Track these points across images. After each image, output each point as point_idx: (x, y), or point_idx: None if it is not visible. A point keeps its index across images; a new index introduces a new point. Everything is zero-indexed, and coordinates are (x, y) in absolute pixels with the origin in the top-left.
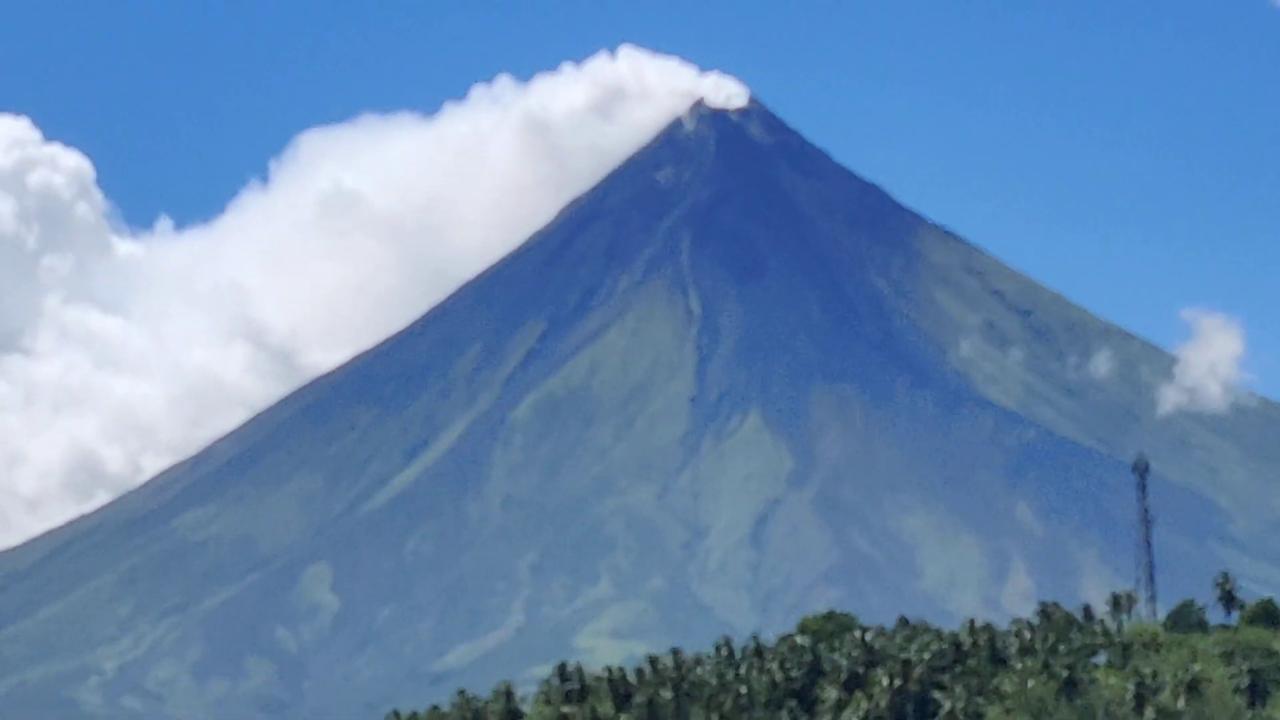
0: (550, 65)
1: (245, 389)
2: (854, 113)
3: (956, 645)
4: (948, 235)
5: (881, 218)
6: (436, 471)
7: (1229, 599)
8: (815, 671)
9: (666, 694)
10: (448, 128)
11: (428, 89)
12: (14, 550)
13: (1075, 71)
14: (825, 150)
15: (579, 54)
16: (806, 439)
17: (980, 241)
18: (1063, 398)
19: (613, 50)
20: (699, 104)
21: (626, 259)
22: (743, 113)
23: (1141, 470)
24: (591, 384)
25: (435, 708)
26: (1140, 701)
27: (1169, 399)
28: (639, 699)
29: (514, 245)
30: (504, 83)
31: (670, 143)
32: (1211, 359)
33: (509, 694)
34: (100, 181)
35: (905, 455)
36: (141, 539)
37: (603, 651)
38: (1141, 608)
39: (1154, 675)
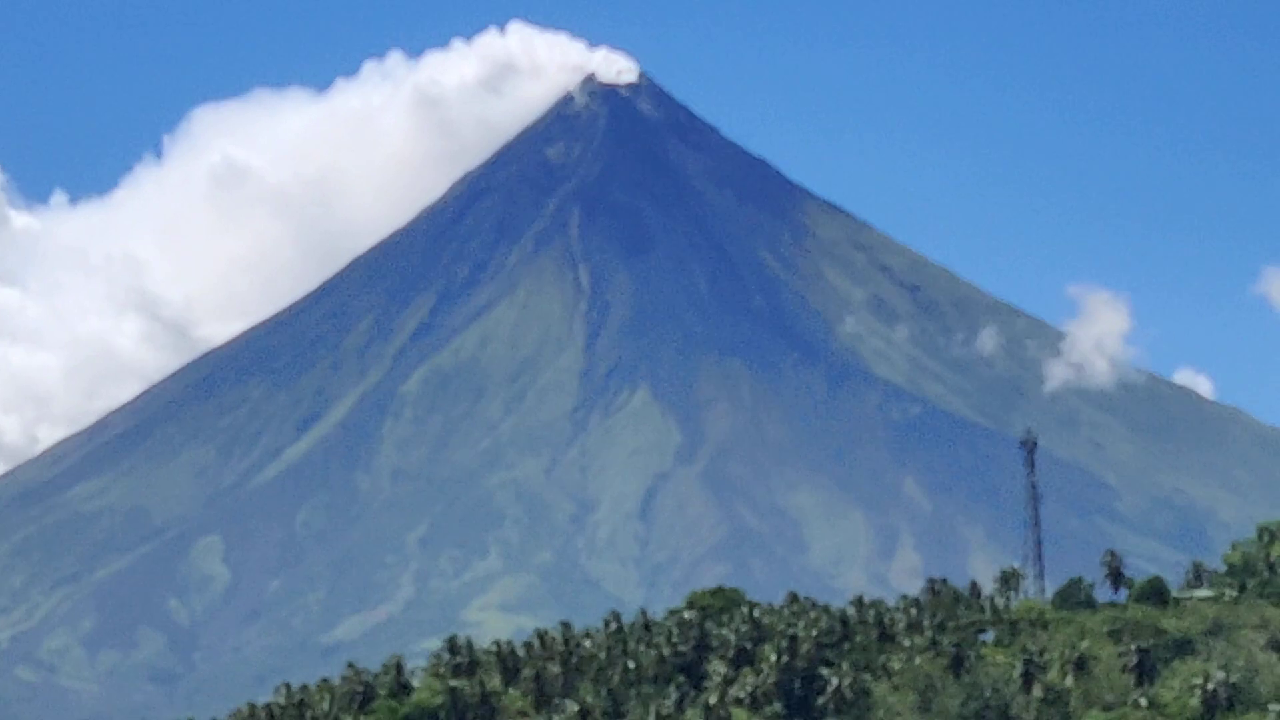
0: (441, 41)
1: (140, 361)
2: (743, 88)
3: (844, 622)
4: (835, 210)
5: (770, 192)
6: (327, 444)
7: (1116, 576)
8: (703, 647)
9: (555, 668)
10: (339, 103)
11: (319, 64)
12: None
13: (960, 38)
14: (714, 125)
15: (469, 30)
16: (694, 414)
17: (868, 217)
18: (950, 373)
19: (502, 26)
20: (589, 79)
21: (516, 234)
22: (633, 88)
23: (1029, 446)
24: (481, 358)
25: (325, 680)
26: (1028, 679)
27: (1056, 375)
28: (527, 673)
29: (405, 219)
30: (395, 58)
31: (561, 118)
32: (1098, 335)
33: (399, 667)
34: None
35: (793, 430)
36: (35, 510)
37: (492, 625)
38: (1029, 585)
39: (1042, 653)
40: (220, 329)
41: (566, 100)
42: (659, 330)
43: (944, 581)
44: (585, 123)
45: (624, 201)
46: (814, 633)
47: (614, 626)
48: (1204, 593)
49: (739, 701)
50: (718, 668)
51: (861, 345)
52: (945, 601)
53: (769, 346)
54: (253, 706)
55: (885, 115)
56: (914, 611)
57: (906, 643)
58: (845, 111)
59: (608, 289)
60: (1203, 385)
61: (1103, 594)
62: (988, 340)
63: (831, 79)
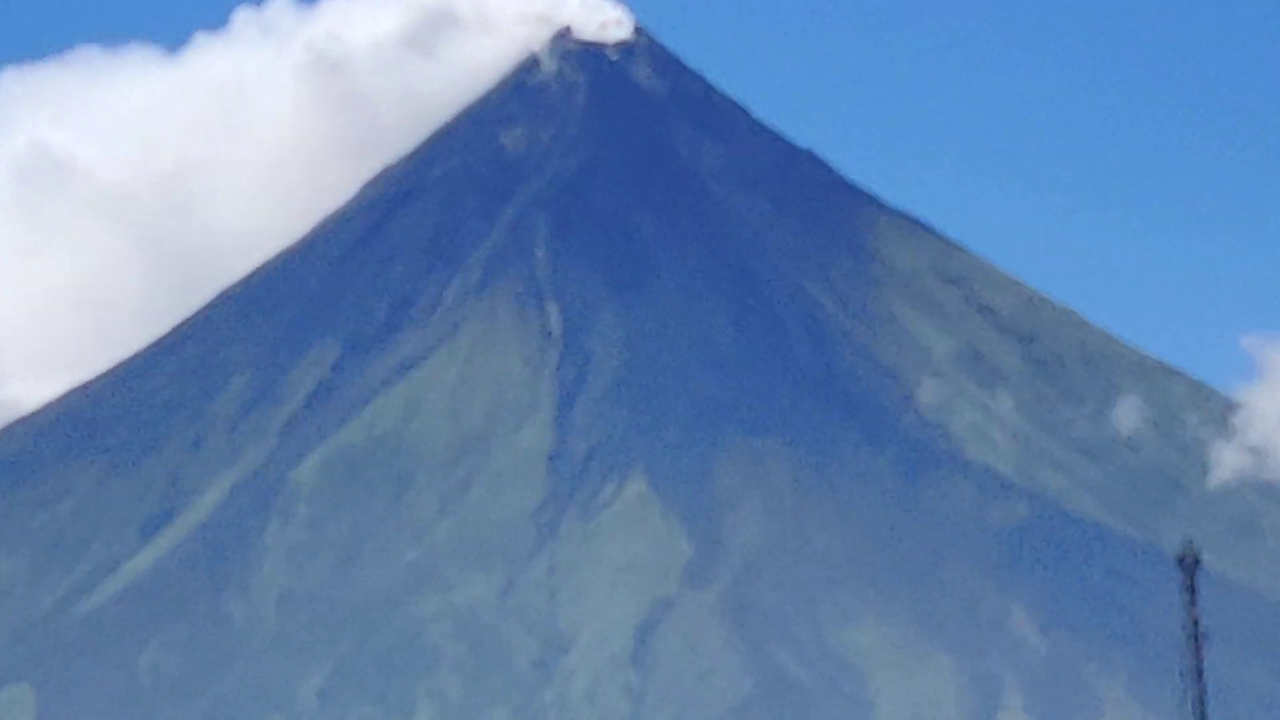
0: None
1: None
2: (782, 52)
3: None
4: (914, 226)
5: (821, 200)
6: (185, 554)
7: None
8: None
9: None
10: (199, 67)
11: (170, 12)
12: None
13: (1092, 6)
14: (741, 103)
15: None
16: (711, 515)
17: (961, 236)
18: (1076, 459)
19: None
20: (562, 35)
21: (458, 255)
22: (625, 49)
23: (1189, 563)
24: (406, 433)
25: None
26: None
27: (1226, 461)
28: None
29: (297, 234)
30: (280, 3)
31: (521, 91)
32: None
33: None
34: None
35: (851, 540)
36: None
37: None
38: None
39: None
40: (31, 390)
41: (529, 65)
42: (660, 395)
43: None
44: (556, 98)
45: (612, 211)
46: None
47: None
48: None
49: None
50: None
51: (950, 419)
52: None
53: (817, 420)
54: None
55: (983, 97)
56: None
57: None
58: (927, 89)
59: (588, 336)
60: None
61: None
62: (1129, 413)
63: (909, 41)
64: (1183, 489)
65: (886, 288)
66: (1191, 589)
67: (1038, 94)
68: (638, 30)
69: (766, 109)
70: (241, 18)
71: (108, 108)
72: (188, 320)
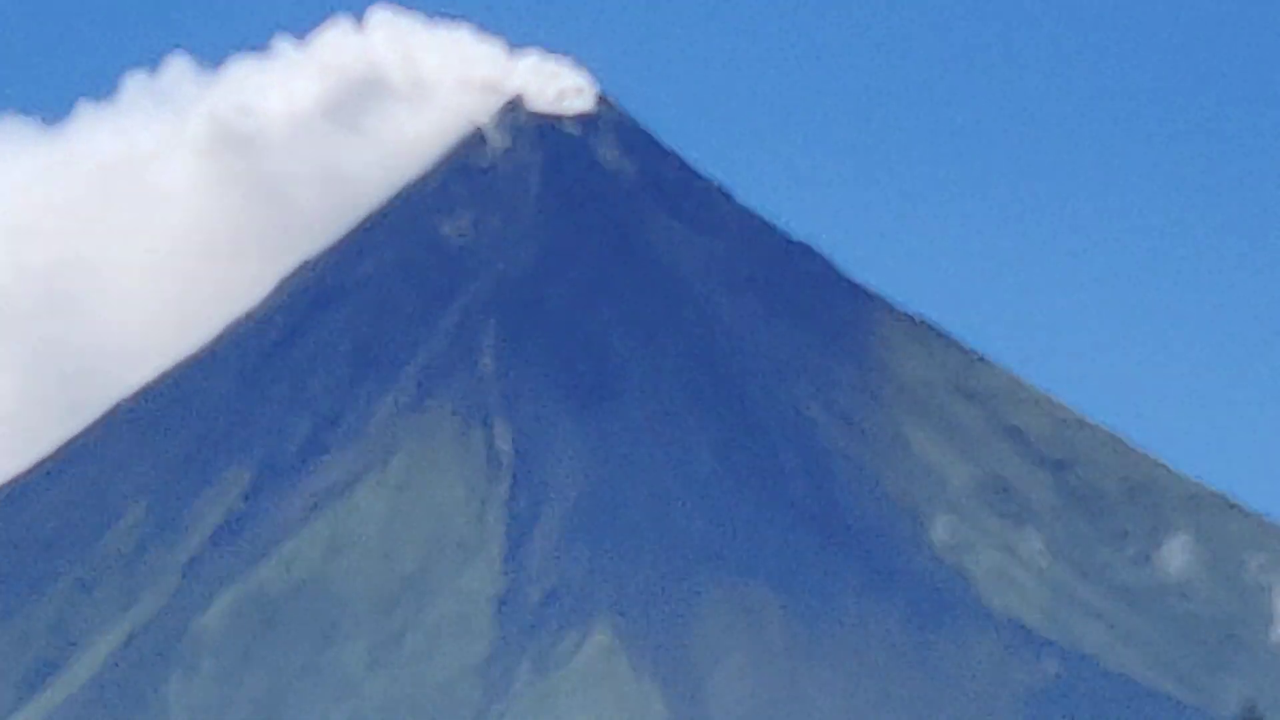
0: (253, 41)
1: None
2: (771, 126)
3: None
4: (929, 331)
5: (818, 301)
6: (73, 714)
7: None
8: None
9: None
10: (83, 143)
11: (49, 78)
12: None
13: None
14: (725, 187)
15: (301, 23)
16: (689, 673)
17: (984, 345)
18: (1116, 607)
19: (359, 14)
20: (513, 106)
21: (390, 366)
22: (587, 121)
23: None
24: (330, 574)
25: None
26: None
27: None
28: None
29: (200, 341)
30: (177, 69)
31: (464, 171)
32: None
33: None
34: None
35: (853, 702)
36: None
37: None
38: None
39: None
40: None
41: (474, 141)
42: (629, 531)
43: None
44: (506, 179)
45: (572, 313)
46: None
47: None
48: None
49: None
50: None
51: (969, 560)
52: None
53: (814, 561)
54: None
55: (1007, 179)
56: None
57: None
58: (942, 171)
59: (543, 460)
60: None
61: None
62: (1179, 553)
63: (922, 115)
64: (1242, 642)
65: (895, 405)
66: None
67: (1076, 178)
68: (602, 100)
69: (754, 194)
70: (132, 85)
71: None
72: (72, 441)
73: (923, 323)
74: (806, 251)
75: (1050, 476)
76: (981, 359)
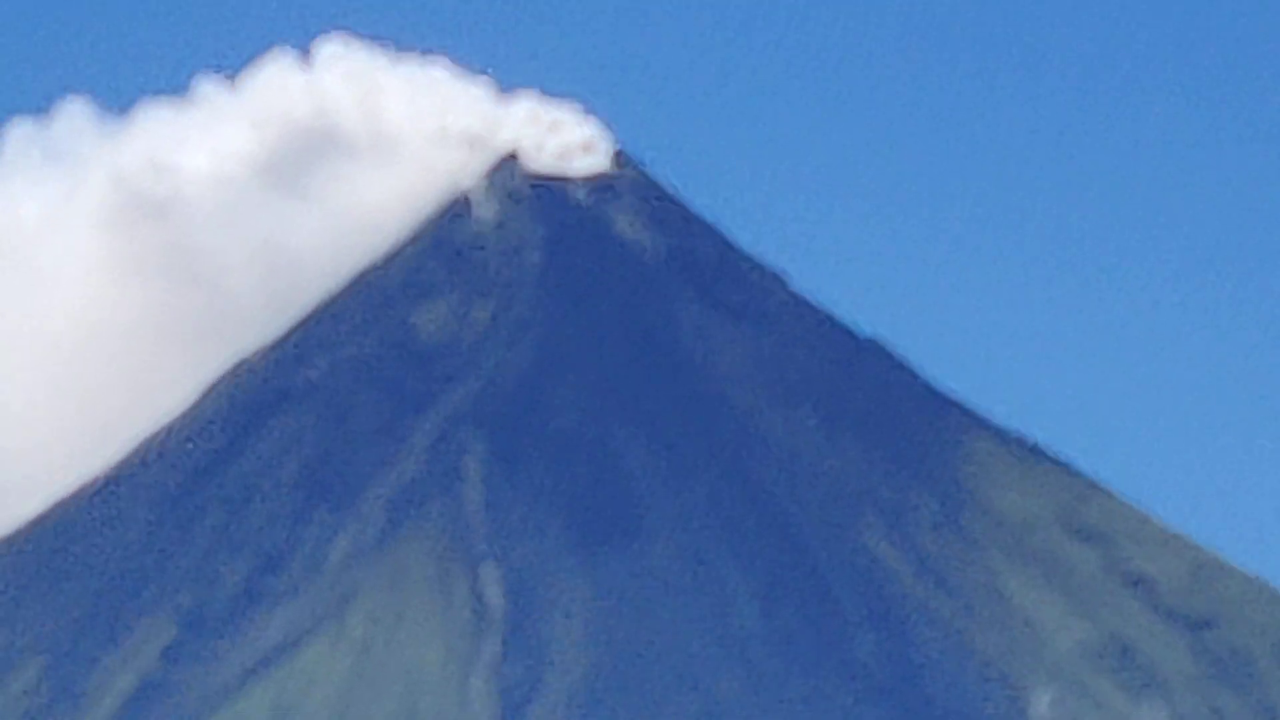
0: (170, 82)
1: None
2: (831, 193)
3: None
4: (1030, 454)
5: (891, 414)
6: None
7: None
8: None
9: None
10: None
11: None
12: None
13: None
14: (775, 269)
15: (230, 59)
16: None
17: (1100, 471)
18: None
19: (304, 47)
20: (506, 165)
21: (349, 493)
22: (601, 185)
23: None
24: None
25: None
26: None
27: None
28: None
29: (105, 462)
30: (72, 117)
31: (443, 248)
32: None
33: None
34: None
35: None
36: None
37: None
38: None
39: None
40: None
41: (456, 210)
42: (650, 706)
43: None
44: (497, 258)
45: (578, 428)
46: None
47: None
48: None
49: None
50: None
51: None
52: None
53: None
54: None
55: (1128, 274)
56: None
57: None
58: (1049, 256)
59: (543, 614)
60: None
61: None
62: None
63: (1013, 182)
64: None
65: (989, 546)
66: None
67: (1216, 282)
68: (620, 158)
69: (812, 278)
70: (15, 138)
71: None
72: None
73: (1022, 442)
74: (877, 351)
75: (1184, 637)
76: (1097, 487)
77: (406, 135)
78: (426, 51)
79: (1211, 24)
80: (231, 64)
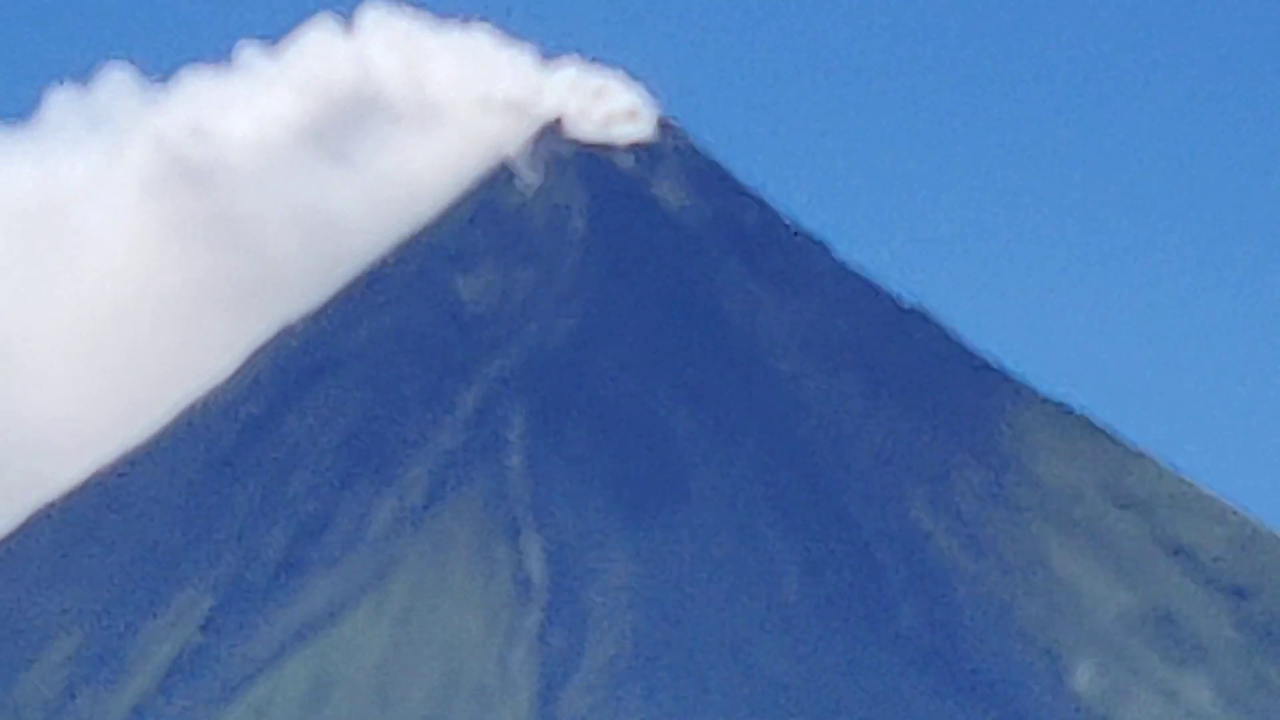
0: (212, 48)
1: None
2: (876, 161)
3: None
4: (1075, 422)
5: (935, 382)
6: None
7: None
8: None
9: None
10: (4, 176)
11: None
12: None
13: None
14: (819, 237)
15: (273, 25)
16: None
17: (1145, 440)
18: None
19: (347, 13)
20: (550, 132)
21: (391, 462)
22: (645, 152)
23: None
24: None
25: None
26: None
27: None
28: None
29: (146, 429)
30: (115, 83)
31: (487, 216)
32: None
33: None
34: None
35: None
36: None
37: None
38: None
39: None
40: None
41: (499, 178)
42: (693, 674)
43: None
44: (540, 225)
45: (621, 397)
46: None
47: None
48: None
49: None
50: None
51: (1122, 710)
52: None
53: (927, 712)
54: None
55: (1173, 240)
56: None
57: None
58: (1095, 224)
59: (585, 585)
60: None
61: None
62: None
63: (1075, 160)
64: None
65: (1032, 515)
66: None
67: (1265, 247)
68: (664, 125)
69: (856, 247)
70: (56, 105)
71: None
72: None
73: (1068, 411)
74: (921, 320)
75: (1228, 606)
76: (1141, 458)
77: (449, 102)
78: (469, 18)
79: None
80: (274, 31)
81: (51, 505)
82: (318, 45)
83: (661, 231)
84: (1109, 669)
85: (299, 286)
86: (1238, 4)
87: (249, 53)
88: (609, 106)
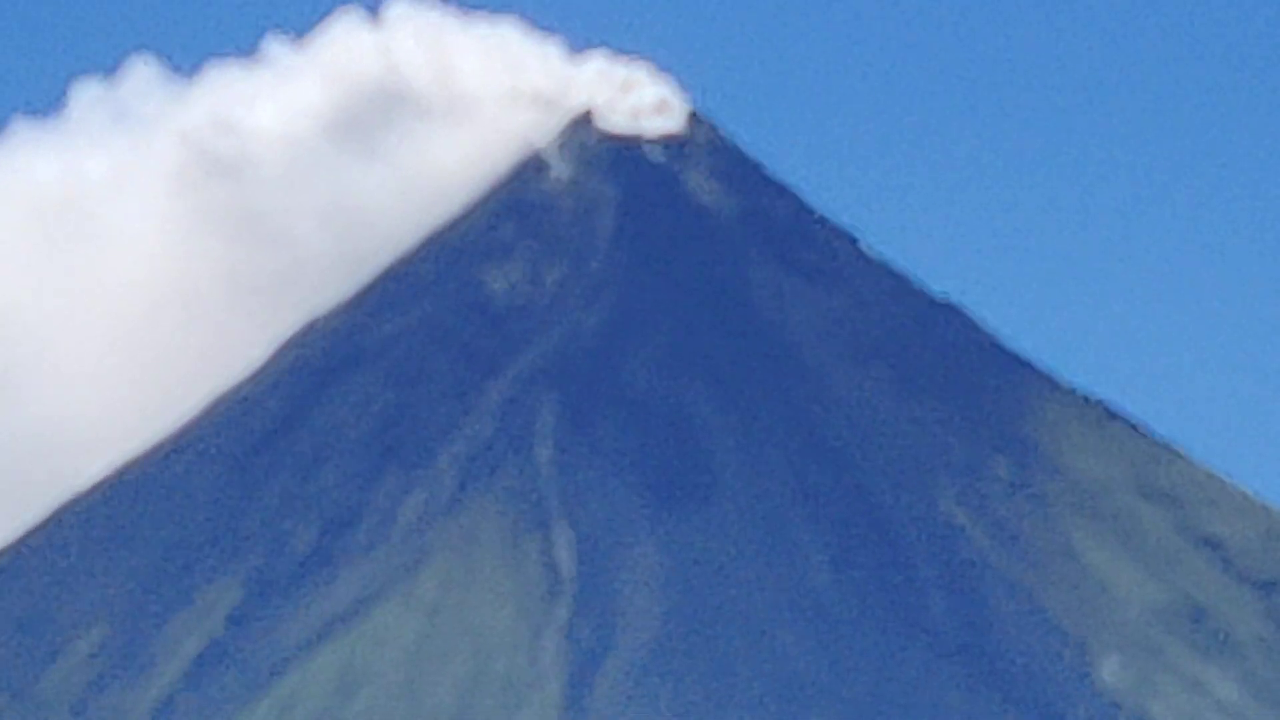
0: (238, 41)
1: None
2: (907, 155)
3: None
4: (1104, 415)
5: (964, 376)
6: None
7: None
8: None
9: None
10: (20, 171)
11: None
12: None
13: None
14: (849, 230)
15: (299, 18)
16: None
17: (1174, 433)
18: None
19: (374, 6)
20: (580, 125)
21: (420, 454)
22: (675, 146)
23: None
24: (342, 719)
25: None
26: None
27: None
28: None
29: (173, 422)
30: (140, 76)
31: (516, 209)
32: None
33: None
34: None
35: None
36: None
37: None
38: None
39: None
40: None
41: (529, 170)
42: (722, 666)
43: None
44: (570, 218)
45: (651, 390)
46: None
47: None
48: None
49: None
50: None
51: (1150, 703)
52: None
53: (957, 704)
54: None
55: (1201, 235)
56: None
57: None
58: (1123, 219)
59: (614, 576)
60: None
61: None
62: None
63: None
64: None
65: (1061, 508)
66: None
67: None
68: (694, 119)
69: (886, 240)
70: (82, 98)
71: None
72: (9, 550)
73: (1097, 405)
74: (950, 312)
75: (1257, 599)
76: (1170, 451)
77: (477, 95)
78: (497, 10)
79: None
80: (300, 24)
81: (80, 498)
82: (344, 38)
83: (691, 224)
84: (1137, 661)
85: (327, 280)
86: None
87: (275, 46)
88: (638, 99)
